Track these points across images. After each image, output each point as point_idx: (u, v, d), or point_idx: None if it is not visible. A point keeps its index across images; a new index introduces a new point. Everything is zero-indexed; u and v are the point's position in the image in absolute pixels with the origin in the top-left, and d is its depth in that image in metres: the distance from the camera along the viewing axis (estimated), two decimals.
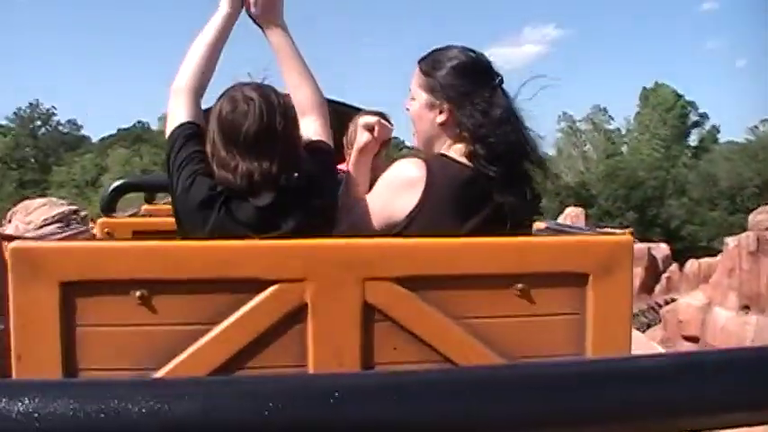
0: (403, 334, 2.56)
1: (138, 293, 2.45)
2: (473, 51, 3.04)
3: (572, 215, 37.51)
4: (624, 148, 75.31)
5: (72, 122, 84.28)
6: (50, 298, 2.43)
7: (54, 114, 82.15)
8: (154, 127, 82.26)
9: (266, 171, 2.69)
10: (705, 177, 64.02)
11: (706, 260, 36.62)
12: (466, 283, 2.60)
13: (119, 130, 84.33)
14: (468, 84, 2.95)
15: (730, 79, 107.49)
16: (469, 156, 2.88)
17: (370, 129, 3.16)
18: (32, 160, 76.83)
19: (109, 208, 4.07)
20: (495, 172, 2.84)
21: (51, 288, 2.43)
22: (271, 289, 2.50)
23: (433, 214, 2.81)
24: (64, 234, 2.87)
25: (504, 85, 3.00)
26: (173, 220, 2.93)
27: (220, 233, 2.65)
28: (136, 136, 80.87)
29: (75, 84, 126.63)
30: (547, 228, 3.33)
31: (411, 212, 2.83)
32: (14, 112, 79.53)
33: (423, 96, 3.03)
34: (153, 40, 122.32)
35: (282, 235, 2.68)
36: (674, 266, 38.00)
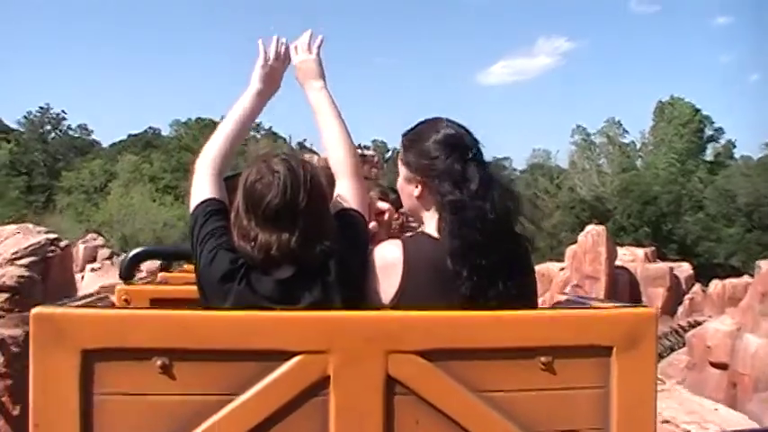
0: (425, 408, 2.56)
1: (159, 362, 2.46)
2: (452, 125, 3.07)
3: (593, 233, 37.49)
4: (639, 162, 75.23)
5: (82, 127, 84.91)
6: (71, 365, 2.45)
7: (64, 119, 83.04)
8: (165, 133, 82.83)
9: (284, 245, 2.72)
10: (722, 193, 63.82)
11: (731, 281, 36.44)
12: (489, 356, 2.60)
13: (129, 135, 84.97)
14: (440, 159, 2.99)
15: (744, 94, 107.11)
16: (442, 230, 2.91)
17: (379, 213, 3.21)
18: (42, 164, 76.77)
19: (128, 275, 4.11)
20: (467, 247, 2.83)
21: (72, 355, 2.45)
22: (293, 360, 2.51)
23: (415, 298, 2.81)
24: (85, 301, 2.90)
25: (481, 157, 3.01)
26: (190, 288, 2.99)
27: (241, 306, 2.67)
28: (146, 142, 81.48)
29: (87, 88, 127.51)
30: (567, 300, 3.38)
31: (393, 299, 2.84)
32: (24, 116, 79.95)
33: (402, 170, 3.12)
34: (166, 47, 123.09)
35: (301, 308, 2.70)
36: (697, 287, 37.83)
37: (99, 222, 55.90)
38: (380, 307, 2.84)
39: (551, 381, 2.62)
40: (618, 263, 37.77)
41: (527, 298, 2.96)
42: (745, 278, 32.33)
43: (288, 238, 2.72)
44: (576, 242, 40.53)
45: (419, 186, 3.03)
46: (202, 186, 3.03)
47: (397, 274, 2.86)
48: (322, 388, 2.52)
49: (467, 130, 3.07)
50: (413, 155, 3.06)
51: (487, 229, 2.87)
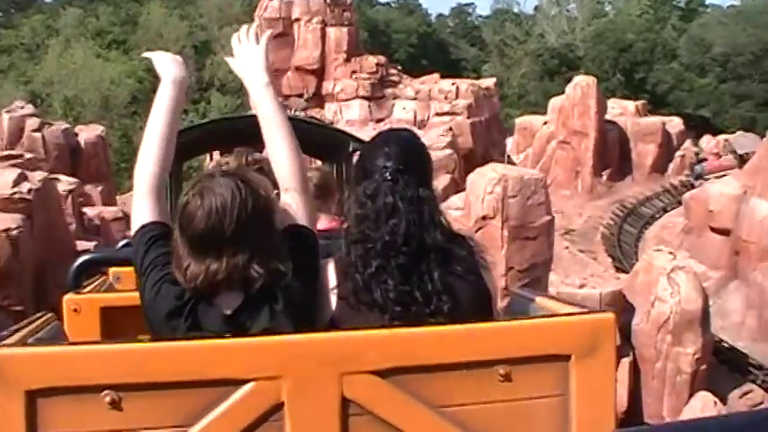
0: (383, 427, 2.59)
1: (108, 398, 2.46)
2: (394, 145, 3.02)
3: (582, 85, 36.88)
4: (609, 9, 74.81)
5: None
6: (15, 408, 2.42)
7: None
8: None
9: (212, 275, 2.69)
10: (697, 42, 63.31)
11: (724, 137, 36.35)
12: (446, 370, 2.62)
13: None
14: (359, 172, 3.01)
15: None
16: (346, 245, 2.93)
17: None
18: None
19: (76, 284, 4.09)
20: (363, 262, 2.85)
21: (15, 398, 2.43)
22: (245, 388, 2.52)
23: (349, 317, 2.84)
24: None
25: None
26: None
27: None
28: None
29: None
30: (517, 294, 3.45)
31: (333, 318, 2.88)
32: None
33: None
34: None
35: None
36: (688, 143, 37.68)
37: (42, 84, 54.39)
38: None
39: (510, 392, 2.66)
40: (606, 117, 37.57)
41: (473, 309, 2.89)
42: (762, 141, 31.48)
43: (216, 269, 2.69)
44: (558, 93, 40.23)
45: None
46: (141, 209, 2.95)
47: (330, 298, 2.91)
48: (276, 414, 2.54)
49: (405, 147, 3.04)
50: (357, 167, 3.08)
51: (393, 252, 2.85)
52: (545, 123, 38.84)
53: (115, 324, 3.89)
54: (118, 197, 33.45)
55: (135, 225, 2.94)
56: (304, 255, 2.87)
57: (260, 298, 2.73)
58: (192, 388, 2.51)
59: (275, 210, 2.86)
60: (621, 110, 39.39)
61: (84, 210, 24.81)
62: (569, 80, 43.23)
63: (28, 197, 17.59)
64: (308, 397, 2.55)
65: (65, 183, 23.45)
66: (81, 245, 19.53)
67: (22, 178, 17.94)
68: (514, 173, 19.04)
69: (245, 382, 2.52)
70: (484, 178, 18.70)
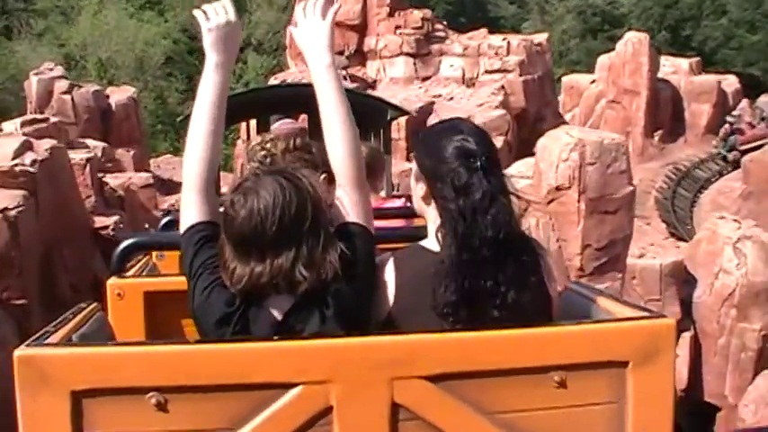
0: None
1: (153, 400, 2.48)
2: (469, 130, 2.97)
3: (634, 41, 35.77)
4: None
5: None
6: (61, 408, 2.46)
7: None
8: None
9: (256, 278, 2.69)
10: None
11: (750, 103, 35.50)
12: (500, 376, 2.62)
13: None
14: (446, 162, 2.89)
15: None
16: (442, 242, 2.86)
17: None
18: None
19: (119, 268, 4.07)
20: (467, 259, 2.79)
21: (61, 398, 2.46)
22: (293, 392, 2.53)
23: (408, 317, 2.83)
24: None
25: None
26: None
27: None
28: None
29: None
30: (571, 290, 3.39)
31: (386, 318, 2.87)
32: None
33: (414, 168, 3.06)
34: None
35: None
36: (745, 103, 36.72)
37: (76, 46, 54.06)
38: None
39: (565, 398, 2.65)
40: (658, 75, 36.87)
41: (537, 315, 2.89)
42: None
43: (260, 272, 2.69)
44: (602, 52, 39.45)
45: (424, 187, 2.96)
46: (189, 208, 2.93)
47: (387, 297, 2.88)
48: (324, 419, 2.55)
49: (483, 135, 2.99)
50: (424, 152, 2.99)
51: (488, 247, 2.81)
52: (593, 82, 37.99)
53: (159, 309, 3.92)
54: (152, 161, 33.32)
55: (184, 224, 2.93)
56: (357, 255, 2.82)
57: (310, 302, 2.73)
58: (239, 391, 2.52)
59: (324, 209, 2.80)
60: (674, 68, 38.29)
61: (107, 179, 22.89)
62: (613, 38, 42.64)
63: (31, 170, 15.10)
64: (358, 402, 2.54)
65: (82, 150, 21.60)
66: (99, 221, 18.37)
67: (25, 148, 15.67)
68: (593, 137, 16.83)
69: (293, 385, 2.52)
70: (557, 143, 16.43)
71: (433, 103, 30.64)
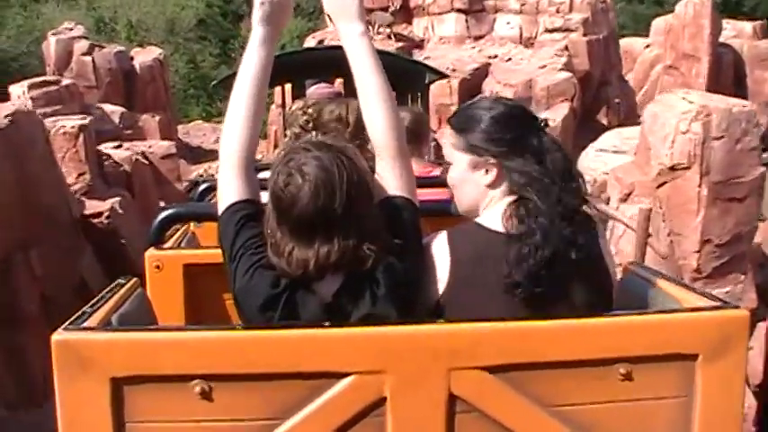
0: (492, 427, 2.60)
1: (197, 388, 2.50)
2: (506, 99, 3.04)
3: (695, 2, 34.71)
4: None
5: None
6: (100, 395, 2.50)
7: None
8: None
9: (323, 259, 2.67)
10: None
11: None
12: (562, 368, 2.62)
13: None
14: (513, 132, 2.94)
15: None
16: (513, 217, 2.86)
17: None
18: None
19: (158, 239, 4.17)
20: (534, 240, 2.80)
21: (101, 385, 2.50)
22: (345, 381, 2.54)
23: (465, 299, 2.83)
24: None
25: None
26: None
27: None
28: None
29: None
30: (633, 273, 3.37)
31: (440, 300, 2.86)
32: None
33: (464, 158, 2.99)
34: None
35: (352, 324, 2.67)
36: None
37: (106, 8, 54.33)
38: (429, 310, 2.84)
39: (630, 392, 2.65)
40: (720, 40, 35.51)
41: (602, 294, 2.94)
42: None
43: (327, 251, 2.67)
44: (648, 16, 38.67)
45: (492, 170, 2.93)
46: (228, 186, 2.94)
47: (441, 275, 2.87)
48: (377, 410, 2.56)
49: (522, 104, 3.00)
50: (478, 135, 2.94)
51: (569, 218, 2.85)
52: (647, 47, 37.62)
53: (199, 282, 3.98)
54: (181, 127, 33.17)
55: (222, 203, 2.93)
56: (403, 230, 2.84)
57: (360, 281, 2.72)
58: (288, 380, 2.53)
59: (372, 181, 2.82)
60: (736, 31, 37.45)
61: (110, 151, 20.02)
62: (660, 2, 41.82)
63: None
64: (413, 393, 2.55)
65: (75, 117, 18.56)
66: (91, 206, 15.71)
67: None
68: (719, 103, 13.69)
69: (345, 375, 2.53)
70: (673, 111, 13.56)
71: (488, 64, 29.66)
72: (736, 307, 2.78)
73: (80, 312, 2.75)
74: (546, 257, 2.77)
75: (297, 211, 2.67)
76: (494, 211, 2.93)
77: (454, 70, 27.93)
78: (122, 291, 3.12)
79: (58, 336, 2.53)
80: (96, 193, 16.53)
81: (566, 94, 28.56)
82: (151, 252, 4.06)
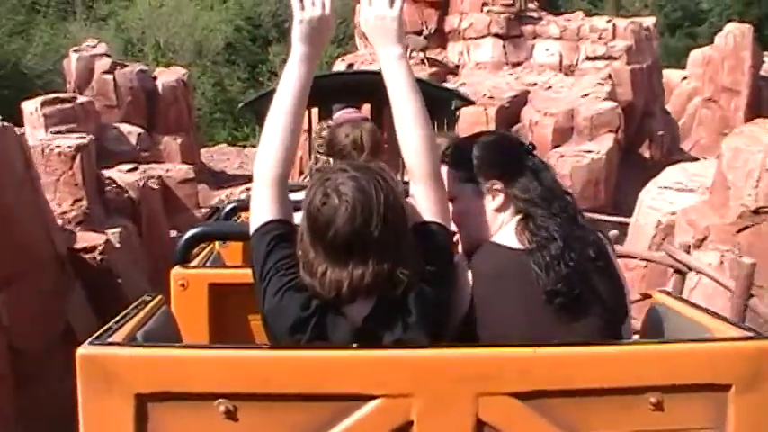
0: None
1: (222, 407, 2.56)
2: (491, 131, 3.18)
3: (735, 34, 33.93)
4: None
5: None
6: (124, 411, 2.56)
7: None
8: None
9: (357, 281, 2.73)
10: None
11: None
12: (592, 396, 2.67)
13: None
14: (508, 156, 3.21)
15: None
16: (525, 233, 3.06)
17: None
18: None
19: (183, 258, 4.30)
20: (554, 246, 3.00)
21: (125, 400, 2.56)
22: (372, 404, 2.59)
23: (489, 317, 2.98)
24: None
25: None
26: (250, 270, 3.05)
27: None
28: None
29: None
30: (662, 303, 3.44)
31: (465, 319, 3.00)
32: None
33: (466, 189, 3.19)
34: None
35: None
36: None
37: (133, 29, 55.42)
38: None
39: (661, 422, 2.69)
40: (761, 73, 35.48)
41: (621, 317, 3.12)
42: None
43: (361, 274, 2.73)
44: (681, 49, 38.38)
45: (499, 195, 3.14)
46: (261, 205, 3.02)
47: (465, 297, 3.02)
48: None
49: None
50: (477, 164, 3.18)
51: (576, 224, 3.11)
52: (684, 79, 37.55)
53: (224, 302, 4.08)
54: (205, 150, 33.24)
55: (255, 222, 3.01)
56: (436, 257, 2.91)
57: (391, 306, 2.78)
58: (314, 401, 2.59)
59: (406, 206, 2.89)
60: None
61: (114, 174, 18.96)
62: (692, 35, 42.08)
63: None
64: (440, 417, 2.60)
65: (72, 136, 17.17)
66: (84, 239, 14.46)
67: None
68: None
69: (372, 397, 2.58)
70: (757, 144, 12.32)
71: (527, 92, 29.46)
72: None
73: (105, 327, 2.82)
74: (573, 258, 2.96)
75: (332, 231, 2.73)
76: (506, 231, 3.10)
77: (491, 98, 28.09)
78: (147, 308, 3.19)
79: (83, 350, 2.60)
80: (93, 223, 15.49)
81: (610, 124, 28.36)
82: (177, 270, 4.16)
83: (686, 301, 3.46)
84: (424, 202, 3.02)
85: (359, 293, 2.76)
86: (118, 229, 15.45)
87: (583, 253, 3.01)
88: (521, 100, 29.03)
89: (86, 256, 13.93)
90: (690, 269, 11.01)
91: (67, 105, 23.32)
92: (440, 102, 9.81)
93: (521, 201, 3.11)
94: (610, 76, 29.85)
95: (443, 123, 10.12)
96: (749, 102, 34.44)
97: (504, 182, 3.12)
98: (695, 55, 37.56)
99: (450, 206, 3.16)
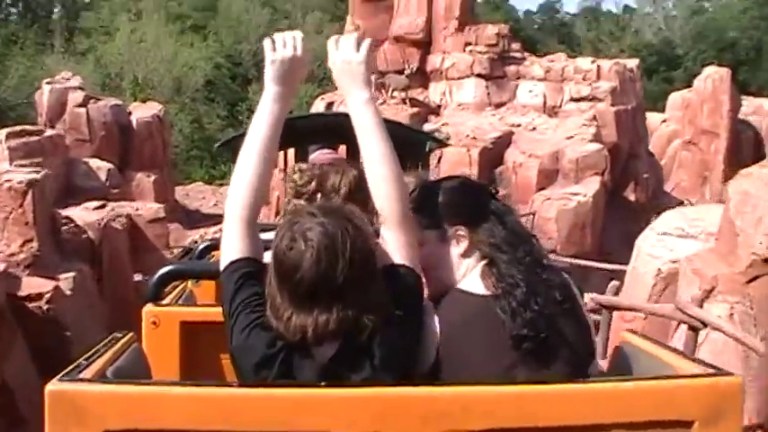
0: None
1: None
2: (453, 175, 3.38)
3: (714, 77, 34.91)
4: (707, 5, 76.90)
5: None
6: None
7: None
8: None
9: (322, 327, 2.77)
10: None
11: None
12: None
13: None
14: (471, 200, 3.28)
15: None
16: (491, 278, 3.12)
17: None
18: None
19: (155, 296, 4.34)
20: (520, 292, 3.04)
21: None
22: None
23: (457, 364, 3.02)
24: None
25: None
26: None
27: None
28: None
29: None
30: (628, 342, 3.51)
31: (432, 367, 3.05)
32: None
33: (432, 235, 3.26)
34: None
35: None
36: None
37: (112, 63, 55.72)
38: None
39: None
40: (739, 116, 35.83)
41: (587, 359, 3.17)
42: None
43: (326, 320, 2.76)
44: (657, 93, 38.56)
45: (463, 241, 3.22)
46: (231, 243, 3.07)
47: (432, 344, 3.06)
48: None
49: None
50: (441, 209, 3.26)
51: (541, 268, 3.17)
52: (663, 121, 37.87)
53: (196, 340, 4.15)
54: (180, 188, 33.01)
55: (224, 260, 3.06)
56: (404, 301, 2.94)
57: (358, 348, 2.81)
58: None
59: (376, 248, 2.93)
60: (754, 108, 38.03)
61: (75, 213, 19.50)
62: (669, 79, 42.82)
63: None
64: None
65: (22, 171, 16.47)
66: (30, 285, 13.57)
67: None
68: None
69: None
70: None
71: (511, 133, 29.60)
72: (731, 374, 2.91)
73: (75, 364, 2.84)
74: (539, 303, 3.02)
75: (298, 277, 2.76)
76: (472, 277, 3.17)
77: (474, 138, 28.25)
78: (118, 345, 3.23)
79: (52, 386, 2.63)
80: (44, 266, 14.39)
81: (596, 167, 28.46)
82: (149, 308, 4.21)
83: (653, 340, 3.52)
84: (394, 244, 3.07)
85: (324, 339, 2.80)
86: (71, 274, 14.41)
87: (549, 296, 3.07)
88: (504, 141, 29.18)
89: (31, 304, 12.81)
90: (705, 325, 10.32)
91: (34, 138, 23.14)
92: (414, 144, 9.94)
93: (485, 246, 3.17)
94: (595, 118, 30.07)
95: (417, 166, 9.92)
96: (729, 145, 34.92)
97: (468, 227, 3.20)
98: (674, 98, 37.96)
99: None
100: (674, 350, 3.41)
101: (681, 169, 35.80)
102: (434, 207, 3.24)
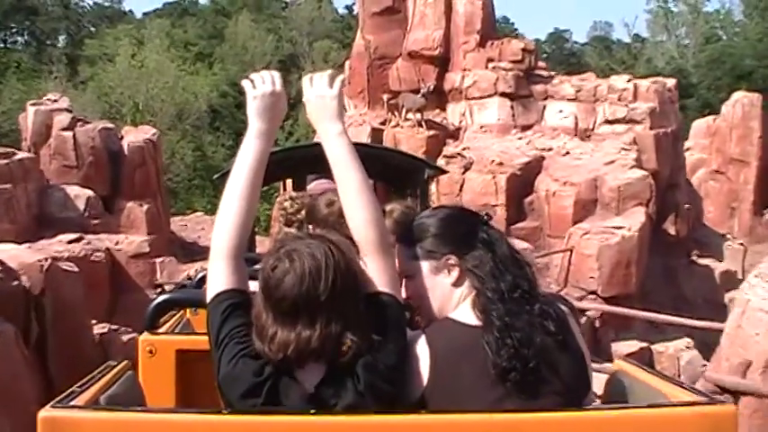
0: None
1: None
2: (443, 205, 3.86)
3: (744, 103, 34.41)
4: (722, 33, 78.53)
5: None
6: None
7: None
8: (203, 1, 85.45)
9: (304, 344, 2.81)
10: None
11: None
12: None
13: (164, 4, 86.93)
14: (462, 229, 3.24)
15: None
16: (481, 308, 3.06)
17: None
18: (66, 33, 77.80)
19: (152, 325, 4.42)
20: (501, 324, 2.98)
21: None
22: None
23: (447, 394, 2.93)
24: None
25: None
26: None
27: None
28: (183, 10, 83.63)
29: None
30: (621, 369, 3.52)
31: (422, 396, 2.96)
32: None
33: (424, 266, 3.22)
34: None
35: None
36: None
37: (111, 89, 55.87)
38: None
39: None
40: None
41: (582, 393, 3.09)
42: None
43: (308, 336, 2.81)
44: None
45: (454, 270, 3.17)
46: (217, 275, 3.11)
47: (421, 373, 2.98)
48: None
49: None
50: (431, 240, 3.22)
51: (531, 297, 3.10)
52: (687, 150, 35.36)
53: (191, 368, 4.26)
54: (179, 218, 31.81)
55: (211, 292, 3.09)
56: (386, 328, 2.96)
57: (343, 374, 2.85)
58: None
59: (360, 275, 2.98)
60: None
61: (40, 246, 17.02)
62: (682, 107, 42.12)
63: None
64: None
65: None
66: None
67: None
68: None
69: None
70: None
71: (542, 158, 26.41)
72: (725, 402, 3.08)
73: (69, 392, 2.87)
74: (519, 339, 2.93)
75: (281, 293, 2.84)
76: (464, 307, 3.12)
77: (500, 164, 25.83)
78: (112, 372, 3.26)
79: (45, 413, 2.66)
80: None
81: (640, 196, 25.14)
82: (145, 336, 4.42)
83: (647, 369, 3.46)
84: (374, 272, 3.08)
85: (307, 357, 2.82)
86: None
87: (540, 327, 3.00)
88: (534, 167, 25.98)
89: None
90: None
91: (2, 162, 21.96)
92: (412, 171, 10.22)
93: (474, 276, 3.12)
94: (635, 141, 26.70)
95: (415, 193, 10.34)
96: (759, 173, 33.97)
97: (458, 256, 3.17)
98: (699, 125, 37.28)
99: (404, 282, 3.20)
100: (669, 378, 3.38)
101: (707, 200, 34.24)
102: (424, 238, 3.24)
